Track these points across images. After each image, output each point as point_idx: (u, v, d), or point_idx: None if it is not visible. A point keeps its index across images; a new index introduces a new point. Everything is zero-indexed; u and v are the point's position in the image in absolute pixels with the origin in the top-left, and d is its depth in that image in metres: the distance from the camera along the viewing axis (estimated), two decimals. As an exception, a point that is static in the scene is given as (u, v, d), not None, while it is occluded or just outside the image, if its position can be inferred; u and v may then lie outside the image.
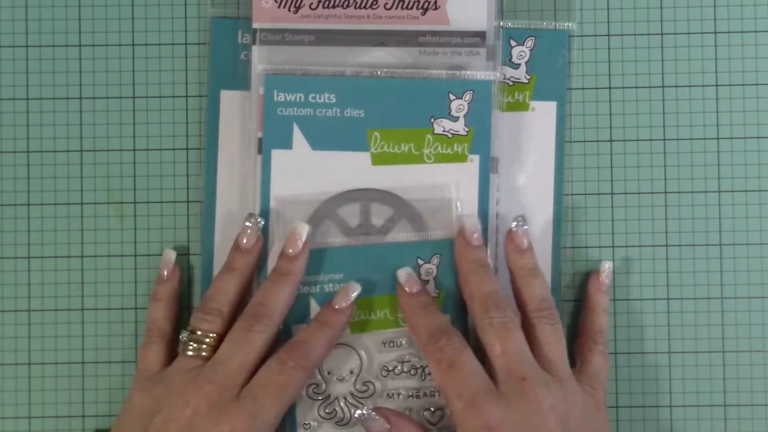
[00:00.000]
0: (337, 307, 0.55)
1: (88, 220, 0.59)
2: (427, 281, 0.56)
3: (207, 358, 0.54)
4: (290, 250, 0.55)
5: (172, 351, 0.56)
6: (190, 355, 0.54)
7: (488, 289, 0.54)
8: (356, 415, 0.54)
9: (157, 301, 0.57)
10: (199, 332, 0.54)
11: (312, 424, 0.56)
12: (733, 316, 0.59)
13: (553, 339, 0.54)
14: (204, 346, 0.54)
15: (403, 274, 0.55)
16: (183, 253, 0.59)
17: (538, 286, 0.55)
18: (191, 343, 0.54)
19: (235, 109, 0.59)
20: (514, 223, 0.56)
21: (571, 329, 0.59)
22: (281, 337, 0.56)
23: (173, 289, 0.58)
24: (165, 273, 0.58)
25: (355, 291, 0.55)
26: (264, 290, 0.55)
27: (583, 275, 0.59)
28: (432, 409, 0.56)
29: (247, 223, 0.56)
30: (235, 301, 0.55)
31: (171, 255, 0.58)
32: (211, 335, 0.54)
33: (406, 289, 0.55)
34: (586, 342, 0.56)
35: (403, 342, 0.57)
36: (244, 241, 0.56)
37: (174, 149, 0.59)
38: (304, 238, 0.55)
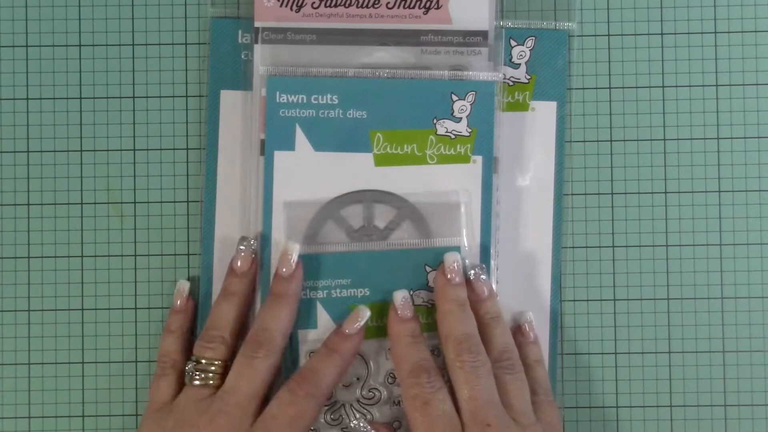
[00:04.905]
0: (347, 332, 0.54)
1: (88, 220, 0.59)
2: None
3: (216, 387, 0.54)
4: (284, 269, 0.54)
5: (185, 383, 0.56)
6: (198, 385, 0.54)
7: (464, 330, 0.53)
8: (351, 425, 0.55)
9: (171, 333, 0.57)
10: (204, 361, 0.54)
11: (318, 430, 0.56)
12: (733, 316, 0.59)
13: (514, 387, 0.53)
14: (210, 374, 0.54)
15: (400, 297, 0.55)
16: (183, 253, 0.59)
17: (499, 335, 0.55)
18: (198, 373, 0.54)
19: (235, 109, 0.58)
20: (472, 272, 0.55)
21: (571, 329, 0.59)
22: (288, 346, 0.56)
23: (186, 320, 0.57)
24: (178, 303, 0.57)
25: (365, 317, 0.54)
26: (263, 315, 0.54)
27: (584, 275, 0.59)
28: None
29: (241, 247, 0.56)
30: (236, 325, 0.55)
31: (185, 286, 0.58)
32: (216, 362, 0.54)
33: (399, 313, 0.54)
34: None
35: (411, 349, 0.57)
36: (239, 264, 0.55)
37: (174, 149, 0.59)
38: (295, 257, 0.55)
